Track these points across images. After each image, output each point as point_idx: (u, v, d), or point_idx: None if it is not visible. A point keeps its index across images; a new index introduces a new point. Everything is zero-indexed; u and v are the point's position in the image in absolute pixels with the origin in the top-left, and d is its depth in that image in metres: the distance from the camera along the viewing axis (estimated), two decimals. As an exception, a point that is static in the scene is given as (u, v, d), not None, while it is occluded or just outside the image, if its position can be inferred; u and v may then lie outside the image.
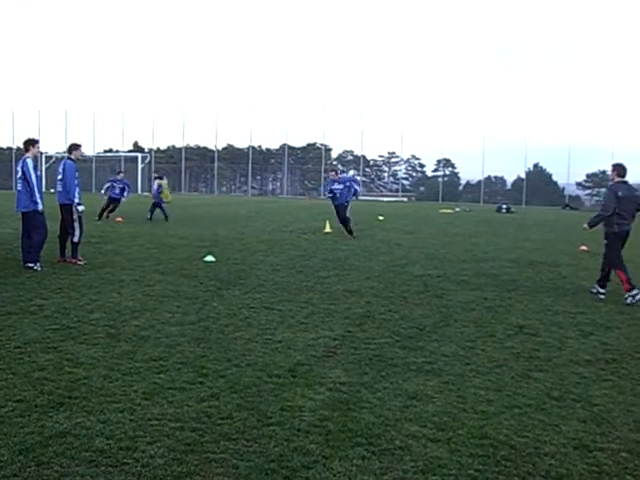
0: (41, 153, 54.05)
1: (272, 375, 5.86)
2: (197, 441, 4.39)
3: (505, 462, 4.25)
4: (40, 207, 11.41)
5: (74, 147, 12.59)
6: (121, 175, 25.27)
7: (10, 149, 74.27)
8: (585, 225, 11.10)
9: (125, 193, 24.01)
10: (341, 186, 18.91)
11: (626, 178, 10.75)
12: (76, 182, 12.18)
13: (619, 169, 10.79)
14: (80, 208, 12.18)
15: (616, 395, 5.68)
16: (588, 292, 10.76)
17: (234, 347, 6.75)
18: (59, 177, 12.30)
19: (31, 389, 5.29)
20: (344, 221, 19.00)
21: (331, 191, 19.15)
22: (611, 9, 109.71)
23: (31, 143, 11.79)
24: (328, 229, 20.65)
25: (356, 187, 19.54)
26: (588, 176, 71.36)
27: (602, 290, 10.70)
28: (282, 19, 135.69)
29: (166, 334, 7.20)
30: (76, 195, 12.09)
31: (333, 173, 19.85)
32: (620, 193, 10.49)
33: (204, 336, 7.17)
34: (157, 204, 24.38)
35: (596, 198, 68.48)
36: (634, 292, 10.16)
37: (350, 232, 18.78)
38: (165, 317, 8.02)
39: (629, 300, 10.14)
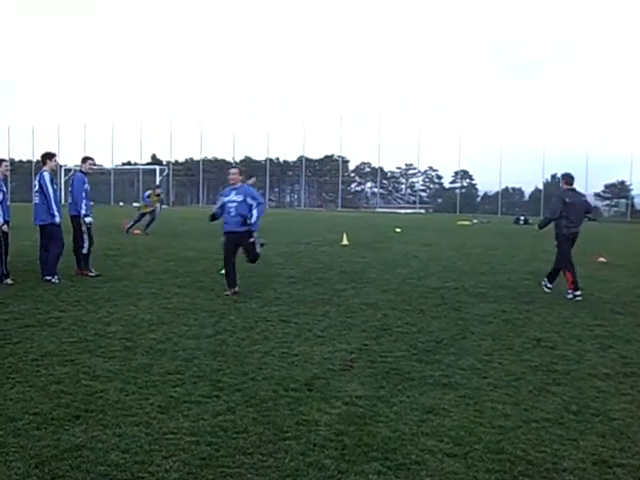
0: (60, 166, 54.56)
1: (288, 389, 5.84)
2: (212, 455, 4.38)
3: (522, 478, 4.21)
4: (57, 220, 11.50)
5: (84, 160, 12.75)
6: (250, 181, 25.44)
7: (30, 162, 75.05)
8: (536, 227, 12.64)
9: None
10: (239, 198, 10.82)
11: (574, 186, 12.01)
12: (84, 194, 12.22)
13: (567, 178, 12.00)
14: (87, 220, 12.22)
15: (635, 409, 5.61)
16: (607, 304, 10.66)
17: (250, 361, 6.75)
18: (70, 189, 12.42)
19: (48, 402, 5.31)
20: (254, 260, 11.45)
21: (222, 206, 11.08)
22: (631, 15, 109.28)
23: (48, 157, 11.91)
24: (345, 242, 20.64)
25: (257, 208, 11.04)
26: (607, 187, 70.95)
27: (549, 285, 11.96)
28: (300, 32, 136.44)
29: (182, 347, 7.21)
30: (83, 207, 12.15)
31: (235, 172, 11.25)
32: (568, 199, 11.65)
33: (220, 349, 7.17)
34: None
35: (615, 209, 68.06)
36: (577, 292, 11.37)
37: (231, 283, 10.87)
38: (182, 330, 8.03)
39: (570, 296, 11.41)
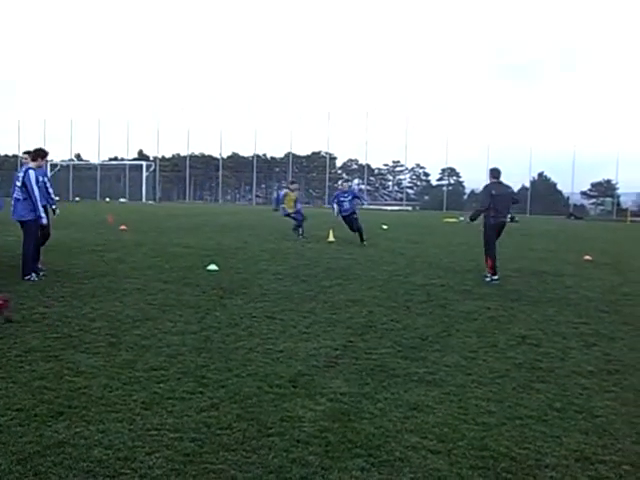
0: (46, 161, 54.12)
1: (273, 385, 5.84)
2: (196, 452, 4.37)
3: (505, 474, 4.22)
4: (44, 221, 11.22)
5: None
6: (346, 185, 23.16)
7: (15, 157, 74.58)
8: (467, 219, 13.47)
9: (359, 200, 21.57)
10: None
11: (501, 179, 13.10)
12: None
13: (494, 172, 13.11)
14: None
15: (619, 407, 5.64)
16: (592, 302, 10.70)
17: (235, 357, 6.73)
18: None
19: (31, 398, 5.28)
20: None
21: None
22: (616, 14, 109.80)
23: (40, 155, 11.60)
24: (332, 238, 20.63)
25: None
26: (593, 185, 71.26)
27: (495, 277, 12.63)
28: (288, 28, 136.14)
29: (167, 343, 7.19)
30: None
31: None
32: (494, 191, 12.70)
33: (205, 346, 7.15)
34: (286, 215, 21.49)
35: (601, 207, 68.40)
36: (495, 277, 12.58)
37: None
38: (167, 326, 8.00)
39: (487, 279, 12.63)
